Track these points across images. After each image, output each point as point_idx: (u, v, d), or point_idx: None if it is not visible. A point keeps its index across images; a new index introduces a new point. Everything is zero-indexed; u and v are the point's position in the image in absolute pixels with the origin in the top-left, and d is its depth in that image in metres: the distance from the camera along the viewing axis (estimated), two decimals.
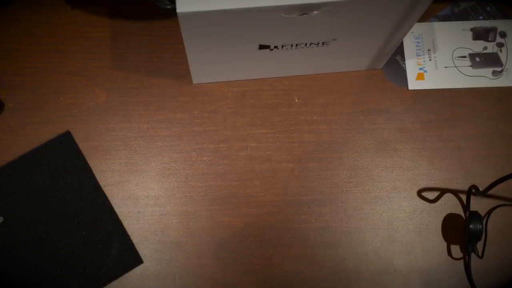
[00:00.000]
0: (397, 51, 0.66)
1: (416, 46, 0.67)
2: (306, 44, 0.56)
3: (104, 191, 0.59)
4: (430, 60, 0.66)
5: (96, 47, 0.65)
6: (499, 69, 0.66)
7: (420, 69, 0.66)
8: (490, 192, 0.60)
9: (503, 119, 0.64)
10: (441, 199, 0.61)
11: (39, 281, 0.56)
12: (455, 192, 0.61)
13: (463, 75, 0.65)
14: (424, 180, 0.61)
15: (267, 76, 0.64)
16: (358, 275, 0.58)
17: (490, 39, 0.67)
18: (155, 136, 0.62)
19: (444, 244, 0.59)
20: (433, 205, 0.61)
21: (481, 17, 0.68)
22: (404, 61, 0.66)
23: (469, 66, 0.66)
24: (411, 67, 0.66)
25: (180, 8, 0.46)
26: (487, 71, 0.66)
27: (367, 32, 0.55)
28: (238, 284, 0.57)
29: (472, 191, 0.59)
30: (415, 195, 0.61)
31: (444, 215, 0.60)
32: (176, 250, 0.58)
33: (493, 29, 0.67)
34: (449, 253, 0.59)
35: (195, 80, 0.63)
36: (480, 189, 0.58)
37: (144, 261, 0.58)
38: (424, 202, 0.61)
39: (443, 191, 0.61)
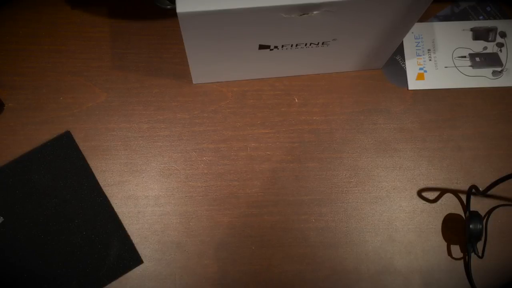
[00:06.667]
0: (397, 51, 0.66)
1: (416, 46, 0.67)
2: (306, 44, 0.56)
3: (104, 191, 0.59)
4: (430, 60, 0.66)
5: (96, 47, 0.65)
6: (499, 69, 0.66)
7: (420, 69, 0.66)
8: (490, 192, 0.60)
9: (503, 119, 0.64)
10: (441, 199, 0.61)
11: (39, 281, 0.56)
12: (455, 192, 0.61)
13: (463, 75, 0.65)
14: (424, 180, 0.61)
15: (267, 76, 0.64)
16: (358, 275, 0.58)
17: (490, 39, 0.67)
18: (155, 136, 0.62)
19: (444, 244, 0.59)
20: (433, 205, 0.61)
21: (481, 17, 0.68)
22: (404, 61, 0.66)
23: (469, 66, 0.66)
24: (411, 67, 0.66)
25: (180, 8, 0.46)
26: (487, 71, 0.66)
27: (367, 32, 0.55)
28: (238, 284, 0.57)
29: (472, 191, 0.59)
30: (415, 195, 0.61)
31: (444, 215, 0.60)
32: (176, 250, 0.58)
33: (493, 29, 0.67)
34: (449, 253, 0.59)
35: (195, 80, 0.63)
36: (480, 189, 0.58)
37: (144, 261, 0.58)
38: (424, 202, 0.61)
39: (443, 191, 0.61)
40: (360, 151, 0.62)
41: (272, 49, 0.56)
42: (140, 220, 0.59)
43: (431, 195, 0.61)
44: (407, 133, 0.63)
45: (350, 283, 0.58)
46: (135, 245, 0.58)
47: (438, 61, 0.66)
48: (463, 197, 0.61)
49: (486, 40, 0.67)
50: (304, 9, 0.47)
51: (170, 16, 0.66)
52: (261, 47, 0.55)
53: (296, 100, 0.64)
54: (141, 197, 0.60)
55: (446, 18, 0.68)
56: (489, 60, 0.66)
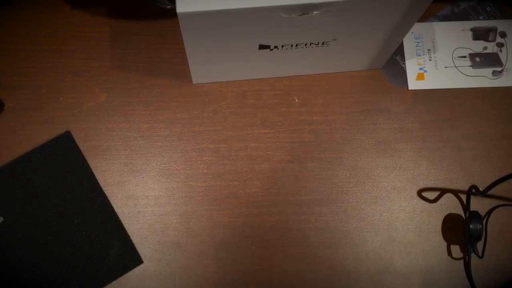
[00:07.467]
0: (397, 51, 0.66)
1: (416, 46, 0.67)
2: (306, 44, 0.56)
3: (104, 191, 0.59)
4: (430, 60, 0.66)
5: (96, 47, 0.65)
6: (499, 69, 0.66)
7: (420, 69, 0.66)
8: (490, 192, 0.60)
9: (503, 119, 0.64)
10: (441, 199, 0.61)
11: (39, 281, 0.56)
12: (455, 192, 0.61)
13: (463, 75, 0.65)
14: (424, 180, 0.61)
15: (267, 76, 0.64)
16: (358, 275, 0.58)
17: (490, 39, 0.67)
18: (155, 136, 0.62)
19: (444, 244, 0.59)
20: (433, 205, 0.61)
21: (481, 17, 0.68)
22: (404, 61, 0.66)
23: (469, 66, 0.66)
24: (411, 67, 0.66)
25: (180, 8, 0.46)
26: (487, 71, 0.66)
27: (367, 32, 0.55)
28: (238, 284, 0.57)
29: (472, 191, 0.59)
30: (415, 195, 0.61)
31: (444, 215, 0.60)
32: (176, 250, 0.58)
33: (493, 29, 0.67)
34: (449, 253, 0.59)
35: (195, 80, 0.63)
36: (480, 189, 0.58)
37: (144, 261, 0.58)
38: (424, 202, 0.61)
39: (443, 191, 0.61)
40: (360, 151, 0.62)
41: (272, 49, 0.56)
42: (140, 220, 0.59)
43: (431, 195, 0.61)
44: (407, 133, 0.63)
45: (350, 283, 0.58)
46: (135, 245, 0.58)
47: (438, 61, 0.66)
48: (463, 197, 0.61)
49: (486, 40, 0.67)
50: (304, 9, 0.47)
51: (170, 16, 0.66)
52: (261, 47, 0.55)
53: (296, 100, 0.64)
54: (141, 197, 0.60)
55: (446, 18, 0.68)
56: (489, 60, 0.66)
